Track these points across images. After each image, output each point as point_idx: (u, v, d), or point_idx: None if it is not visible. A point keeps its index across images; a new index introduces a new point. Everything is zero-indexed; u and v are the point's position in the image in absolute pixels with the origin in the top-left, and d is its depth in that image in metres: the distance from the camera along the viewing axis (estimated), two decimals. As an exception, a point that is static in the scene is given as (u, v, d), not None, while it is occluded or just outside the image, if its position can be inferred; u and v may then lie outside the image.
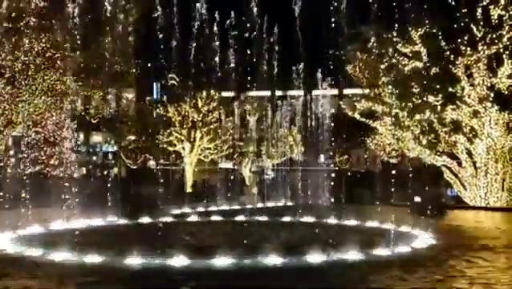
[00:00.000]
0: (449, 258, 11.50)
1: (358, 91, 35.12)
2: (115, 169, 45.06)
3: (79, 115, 33.96)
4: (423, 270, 10.20)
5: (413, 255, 12.06)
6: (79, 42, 28.05)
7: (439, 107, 26.67)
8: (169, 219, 19.72)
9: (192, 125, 38.34)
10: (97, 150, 51.51)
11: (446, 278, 9.55)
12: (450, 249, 12.79)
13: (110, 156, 51.53)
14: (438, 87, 26.39)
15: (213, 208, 25.00)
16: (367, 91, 32.71)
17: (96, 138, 50.56)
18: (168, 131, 38.37)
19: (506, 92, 25.53)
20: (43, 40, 26.78)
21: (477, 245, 13.72)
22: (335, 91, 45.40)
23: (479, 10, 25.26)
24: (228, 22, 35.05)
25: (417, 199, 22.64)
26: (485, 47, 25.37)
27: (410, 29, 26.73)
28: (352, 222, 18.30)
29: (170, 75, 40.21)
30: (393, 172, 24.00)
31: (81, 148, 40.88)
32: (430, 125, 27.39)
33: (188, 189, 36.85)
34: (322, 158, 45.82)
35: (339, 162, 47.73)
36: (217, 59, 35.89)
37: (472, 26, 25.44)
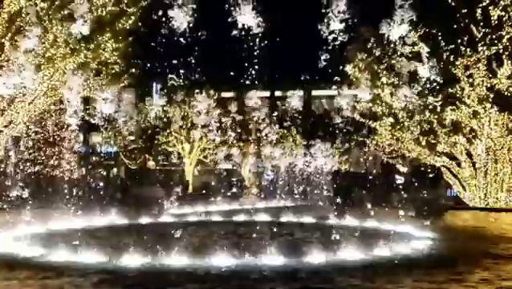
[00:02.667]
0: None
1: (357, 91, 35.02)
2: (115, 170, 45.07)
3: (79, 115, 33.82)
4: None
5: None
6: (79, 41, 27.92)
7: (438, 108, 26.61)
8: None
9: (191, 126, 38.30)
10: (97, 150, 51.41)
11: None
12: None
13: (110, 157, 51.41)
14: (438, 87, 26.32)
15: (212, 208, 24.97)
16: (366, 91, 32.56)
17: (96, 138, 50.46)
18: (168, 131, 38.34)
19: (506, 93, 25.44)
20: (43, 40, 26.66)
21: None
22: (335, 92, 45.26)
23: (479, 11, 25.18)
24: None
25: (415, 201, 22.65)
26: (485, 48, 25.29)
27: (410, 29, 26.58)
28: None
29: (170, 76, 40.15)
30: (392, 172, 23.98)
31: (81, 148, 40.84)
32: (430, 126, 27.32)
33: (189, 190, 36.82)
34: (321, 159, 45.76)
35: (338, 163, 47.62)
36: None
37: (472, 26, 25.36)
